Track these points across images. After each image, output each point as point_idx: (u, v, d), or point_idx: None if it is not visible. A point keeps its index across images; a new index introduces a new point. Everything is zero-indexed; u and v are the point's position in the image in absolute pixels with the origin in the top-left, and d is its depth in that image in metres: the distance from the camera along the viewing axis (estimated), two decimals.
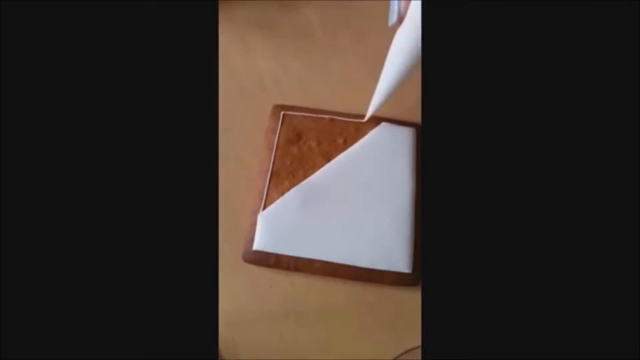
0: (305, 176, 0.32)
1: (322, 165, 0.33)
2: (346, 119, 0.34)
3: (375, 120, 0.34)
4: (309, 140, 0.34)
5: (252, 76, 0.37)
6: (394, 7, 0.26)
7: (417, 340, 0.29)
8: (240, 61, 0.38)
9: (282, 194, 0.32)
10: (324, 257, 0.30)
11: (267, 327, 0.30)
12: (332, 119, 0.34)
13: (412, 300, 0.31)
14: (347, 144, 0.33)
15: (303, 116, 0.34)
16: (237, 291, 0.31)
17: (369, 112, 0.32)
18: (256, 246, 0.31)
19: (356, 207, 0.31)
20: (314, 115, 0.34)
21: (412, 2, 0.25)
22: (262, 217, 0.31)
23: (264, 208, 0.32)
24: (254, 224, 0.31)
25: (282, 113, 0.34)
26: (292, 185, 0.32)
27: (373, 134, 0.34)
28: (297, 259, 0.30)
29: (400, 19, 0.26)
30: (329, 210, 0.31)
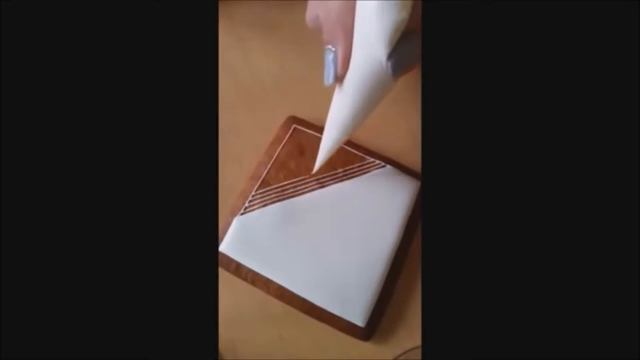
0: (293, 195, 0.31)
1: (312, 189, 0.32)
2: (354, 151, 0.33)
3: (383, 159, 0.33)
4: (309, 159, 0.32)
5: (252, 76, 0.37)
6: (329, 64, 0.24)
7: (417, 340, 0.29)
8: (240, 61, 0.37)
9: (265, 205, 0.31)
10: (282, 282, 0.29)
11: (267, 327, 0.30)
12: (340, 147, 0.32)
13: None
14: (345, 176, 0.32)
15: (313, 135, 0.33)
16: (237, 291, 0.31)
17: (317, 164, 0.29)
18: (222, 248, 0.30)
19: (332, 243, 0.30)
20: None
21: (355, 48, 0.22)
22: (237, 221, 0.31)
23: (243, 213, 0.31)
24: (228, 225, 0.31)
25: (293, 126, 0.33)
26: (278, 199, 0.31)
27: (374, 175, 0.32)
28: (256, 274, 0.30)
29: (339, 77, 0.24)
30: (304, 237, 0.30)
